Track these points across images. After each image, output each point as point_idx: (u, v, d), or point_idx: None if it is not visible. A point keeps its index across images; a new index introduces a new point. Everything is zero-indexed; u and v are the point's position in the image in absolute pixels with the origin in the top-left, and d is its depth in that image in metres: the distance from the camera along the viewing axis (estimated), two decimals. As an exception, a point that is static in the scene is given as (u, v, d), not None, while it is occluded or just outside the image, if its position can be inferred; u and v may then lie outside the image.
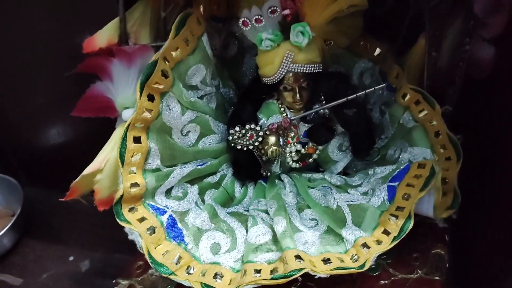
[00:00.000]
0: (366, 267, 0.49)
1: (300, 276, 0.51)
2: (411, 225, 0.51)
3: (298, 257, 0.48)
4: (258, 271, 0.49)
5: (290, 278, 0.47)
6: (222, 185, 0.61)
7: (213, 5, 0.60)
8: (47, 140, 0.77)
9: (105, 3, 0.58)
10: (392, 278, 0.55)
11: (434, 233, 0.60)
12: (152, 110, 0.52)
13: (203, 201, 0.59)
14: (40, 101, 0.73)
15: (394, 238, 0.51)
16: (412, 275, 0.55)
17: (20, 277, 0.67)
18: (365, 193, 0.57)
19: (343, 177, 0.62)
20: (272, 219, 0.55)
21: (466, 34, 0.58)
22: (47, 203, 0.77)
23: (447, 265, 0.57)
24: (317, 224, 0.56)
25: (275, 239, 0.53)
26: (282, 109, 0.61)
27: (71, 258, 0.69)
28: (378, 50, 0.64)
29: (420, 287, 0.54)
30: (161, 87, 0.52)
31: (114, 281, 0.58)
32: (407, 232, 0.51)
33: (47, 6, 0.62)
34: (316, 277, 0.48)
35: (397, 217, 0.52)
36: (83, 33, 0.59)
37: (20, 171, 0.81)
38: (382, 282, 0.55)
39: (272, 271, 0.48)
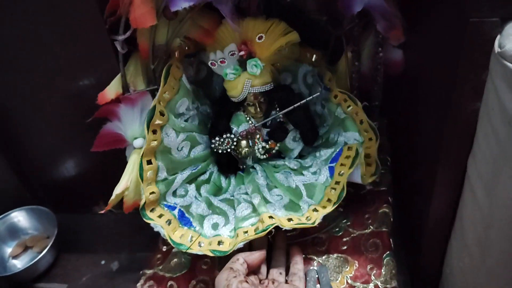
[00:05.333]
0: (316, 223, 0.59)
1: (275, 231, 0.61)
2: (344, 193, 0.62)
3: (270, 217, 0.59)
4: (246, 232, 0.59)
5: (267, 231, 0.57)
6: (211, 180, 0.71)
7: (184, 48, 0.68)
8: (67, 173, 0.82)
9: (102, 59, 0.65)
10: (352, 235, 0.65)
11: (380, 198, 0.68)
12: (156, 140, 0.62)
13: (200, 194, 0.68)
14: (54, 139, 0.78)
15: (334, 204, 0.62)
16: (366, 230, 0.65)
17: (65, 283, 0.75)
18: (315, 173, 0.68)
19: (299, 160, 0.72)
20: (250, 197, 0.65)
21: (378, 45, 0.69)
22: (74, 224, 0.83)
23: (391, 219, 0.66)
24: (282, 198, 0.66)
25: (254, 209, 0.63)
26: (248, 118, 0.71)
27: (102, 262, 0.77)
28: (315, 57, 0.72)
29: (372, 238, 0.63)
30: (160, 122, 0.62)
31: (140, 272, 0.66)
32: (342, 199, 0.62)
33: (58, 60, 0.67)
34: (283, 229, 0.59)
35: (335, 189, 0.63)
36: (83, 80, 0.68)
37: (48, 201, 0.85)
38: (345, 239, 0.65)
39: (255, 230, 0.59)
